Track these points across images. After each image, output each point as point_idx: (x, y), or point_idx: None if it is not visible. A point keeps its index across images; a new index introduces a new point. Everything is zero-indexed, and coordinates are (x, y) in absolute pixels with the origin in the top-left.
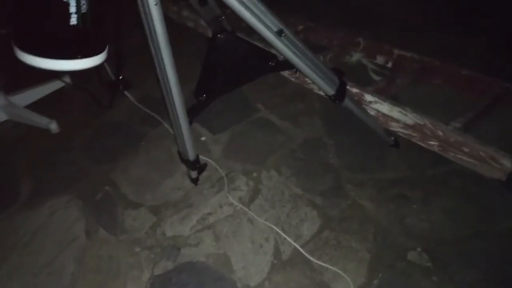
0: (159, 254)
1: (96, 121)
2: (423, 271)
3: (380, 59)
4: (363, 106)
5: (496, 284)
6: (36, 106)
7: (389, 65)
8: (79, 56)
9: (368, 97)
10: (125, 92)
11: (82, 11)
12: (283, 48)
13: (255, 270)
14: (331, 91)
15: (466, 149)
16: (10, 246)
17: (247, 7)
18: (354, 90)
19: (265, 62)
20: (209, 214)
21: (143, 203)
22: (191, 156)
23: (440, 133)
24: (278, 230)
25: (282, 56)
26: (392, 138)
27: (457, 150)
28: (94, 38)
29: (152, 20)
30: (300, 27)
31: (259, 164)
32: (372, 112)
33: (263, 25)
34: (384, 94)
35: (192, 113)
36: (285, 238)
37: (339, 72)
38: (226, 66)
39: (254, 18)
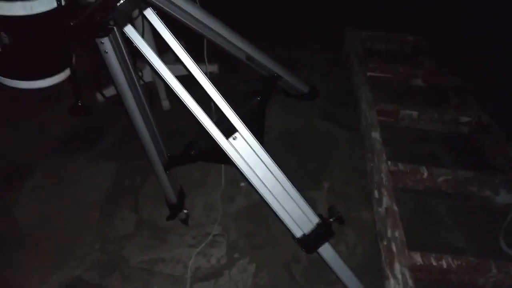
0: None
1: None
2: None
3: None
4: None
5: None
6: None
7: None
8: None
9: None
10: None
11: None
12: (232, 153)
13: None
14: (297, 231)
15: None
16: None
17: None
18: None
19: None
20: None
21: None
22: (170, 199)
23: None
24: None
25: None
26: None
27: None
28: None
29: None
30: (465, 120)
31: (255, 249)
32: None
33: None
34: None
35: (173, 161)
36: None
37: (334, 212)
38: None
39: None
